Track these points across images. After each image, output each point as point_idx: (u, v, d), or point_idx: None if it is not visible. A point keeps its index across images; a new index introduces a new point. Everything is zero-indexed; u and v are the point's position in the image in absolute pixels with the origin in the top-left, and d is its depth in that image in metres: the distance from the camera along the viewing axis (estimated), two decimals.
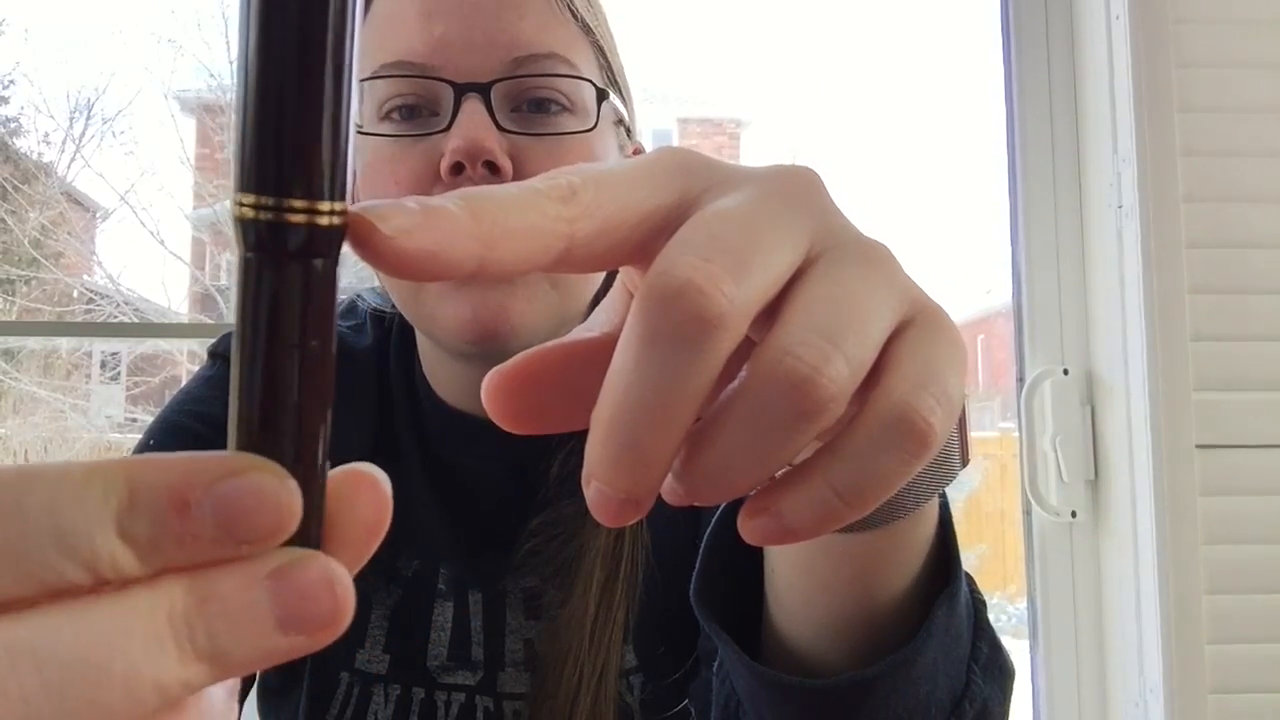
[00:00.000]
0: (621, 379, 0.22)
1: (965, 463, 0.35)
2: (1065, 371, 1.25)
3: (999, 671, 0.42)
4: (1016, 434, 1.28)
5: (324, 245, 0.19)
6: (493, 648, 0.62)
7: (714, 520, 0.43)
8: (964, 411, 0.33)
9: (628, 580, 0.60)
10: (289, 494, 0.19)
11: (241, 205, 0.18)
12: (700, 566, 0.42)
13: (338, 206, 0.19)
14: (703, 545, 0.43)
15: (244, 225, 0.18)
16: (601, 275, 0.62)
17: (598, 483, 0.23)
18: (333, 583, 0.19)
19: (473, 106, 0.54)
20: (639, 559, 0.60)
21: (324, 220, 0.18)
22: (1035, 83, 1.30)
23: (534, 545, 0.61)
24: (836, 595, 0.38)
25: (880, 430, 0.23)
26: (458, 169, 0.53)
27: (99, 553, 0.18)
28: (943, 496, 0.39)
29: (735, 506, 0.42)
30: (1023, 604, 1.33)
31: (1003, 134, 1.31)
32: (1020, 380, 1.27)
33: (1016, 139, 1.29)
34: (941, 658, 0.39)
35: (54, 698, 0.17)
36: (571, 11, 0.58)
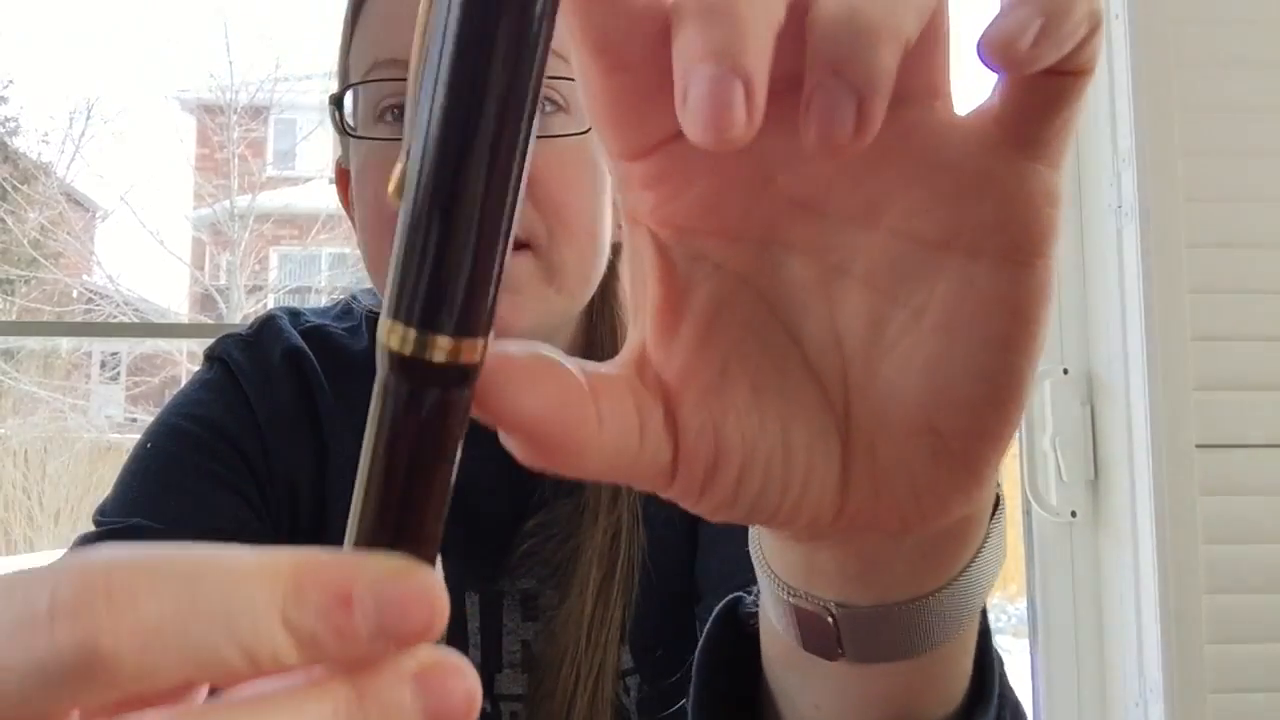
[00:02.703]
0: None
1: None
2: (1065, 371, 1.25)
3: None
4: (1016, 434, 1.27)
5: (464, 379, 0.19)
6: (490, 649, 0.62)
7: (705, 638, 0.40)
8: (1004, 518, 0.31)
9: (624, 580, 0.60)
10: (442, 598, 0.19)
11: (390, 333, 0.18)
12: (696, 689, 0.40)
13: (480, 344, 0.19)
14: (695, 666, 0.40)
15: (390, 352, 0.19)
16: (600, 274, 0.62)
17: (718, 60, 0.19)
18: (471, 690, 0.19)
19: None
20: (635, 559, 0.60)
21: (466, 357, 0.19)
22: None
23: (530, 546, 0.61)
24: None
25: None
26: None
27: (262, 640, 0.18)
28: (983, 617, 0.35)
29: (724, 625, 0.40)
30: (1022, 604, 1.33)
31: None
32: None
33: None
34: None
35: None
36: None
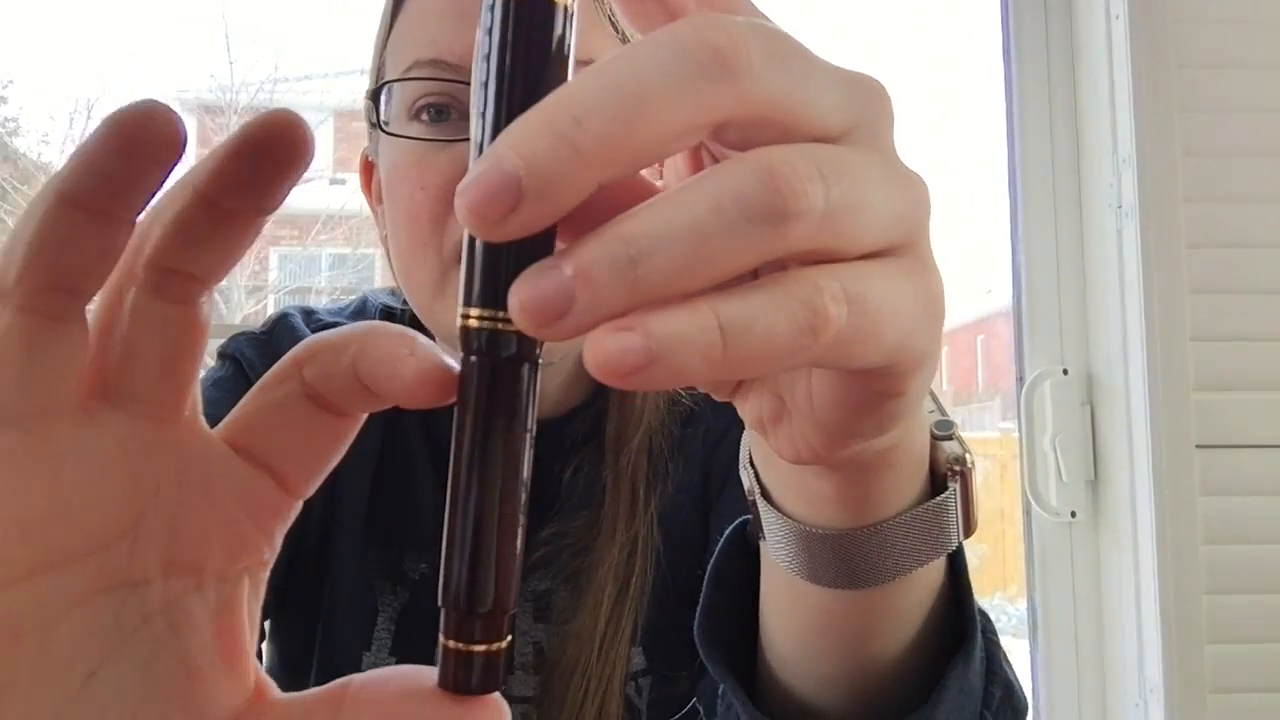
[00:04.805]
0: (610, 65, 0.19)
1: (969, 533, 0.33)
2: (1065, 371, 1.25)
3: (1011, 713, 0.41)
4: (1016, 434, 1.27)
5: (529, 350, 0.22)
6: None
7: (716, 554, 0.42)
8: (970, 478, 0.33)
9: (638, 590, 0.60)
10: None
11: (466, 317, 0.22)
12: (704, 602, 0.41)
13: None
14: (706, 577, 0.42)
15: (467, 333, 0.22)
16: None
17: (502, 156, 0.18)
18: None
19: None
20: (649, 570, 0.60)
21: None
22: (1035, 82, 1.29)
23: (545, 554, 0.61)
24: (825, 650, 0.37)
25: (785, 296, 0.20)
26: None
27: None
28: (958, 553, 0.37)
29: (737, 540, 0.41)
30: (1023, 604, 1.33)
31: (1003, 134, 1.31)
32: (1020, 380, 1.27)
33: (1016, 139, 1.29)
34: (953, 714, 0.38)
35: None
36: (612, 22, 0.57)
